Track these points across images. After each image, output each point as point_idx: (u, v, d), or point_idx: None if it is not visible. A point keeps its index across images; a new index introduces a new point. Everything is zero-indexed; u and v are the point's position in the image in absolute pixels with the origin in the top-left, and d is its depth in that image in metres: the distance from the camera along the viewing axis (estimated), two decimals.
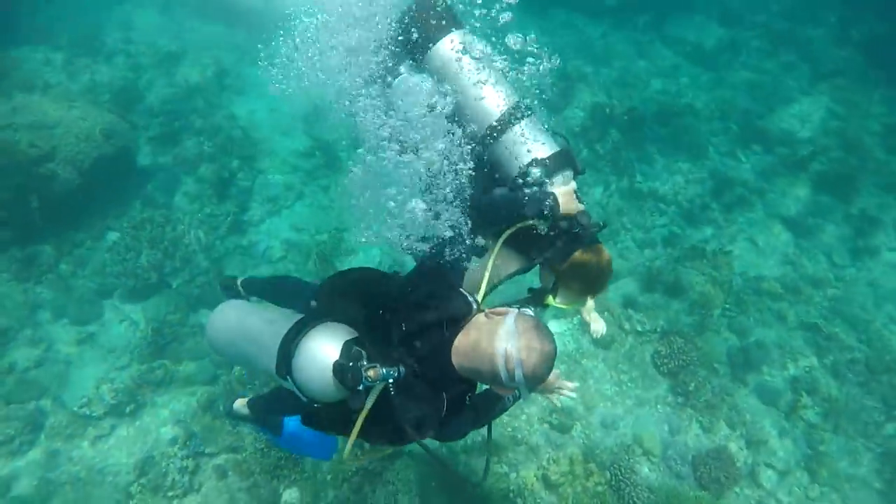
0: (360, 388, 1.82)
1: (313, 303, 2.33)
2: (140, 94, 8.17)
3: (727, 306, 6.60)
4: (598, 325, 2.83)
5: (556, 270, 2.51)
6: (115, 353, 6.19)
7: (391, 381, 1.84)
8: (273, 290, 2.98)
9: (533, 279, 2.78)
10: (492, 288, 2.37)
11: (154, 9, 9.96)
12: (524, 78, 2.53)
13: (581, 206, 2.49)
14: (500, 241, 2.41)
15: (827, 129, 8.45)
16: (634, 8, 10.61)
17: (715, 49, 10.13)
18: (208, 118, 8.26)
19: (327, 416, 2.02)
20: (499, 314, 1.91)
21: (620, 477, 4.53)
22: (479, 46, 2.47)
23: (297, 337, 1.98)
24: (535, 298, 2.60)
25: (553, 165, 2.43)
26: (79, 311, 6.38)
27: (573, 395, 2.52)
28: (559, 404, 2.58)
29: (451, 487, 4.52)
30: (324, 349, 1.93)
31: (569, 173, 2.51)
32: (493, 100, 2.43)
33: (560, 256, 2.47)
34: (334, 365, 1.87)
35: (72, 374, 5.88)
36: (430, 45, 2.46)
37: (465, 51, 2.44)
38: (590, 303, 2.82)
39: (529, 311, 1.93)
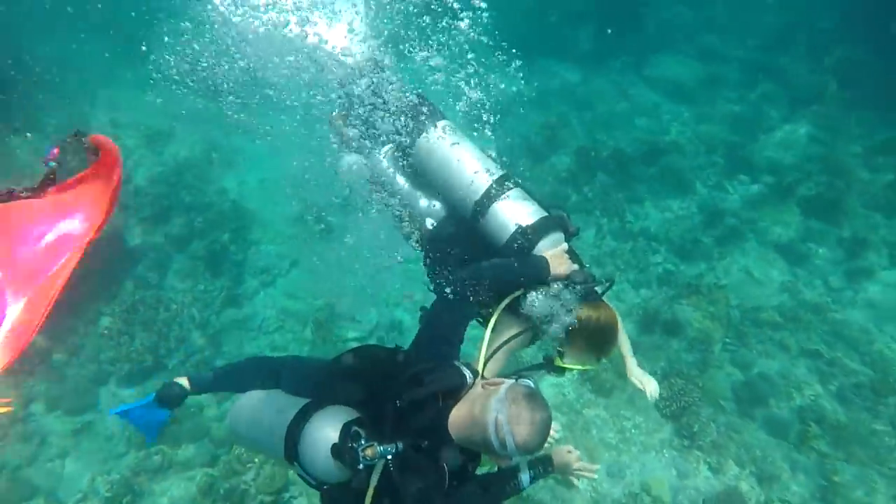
0: (361, 467, 1.93)
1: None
2: (128, 175, 8.66)
3: (728, 340, 6.87)
4: (651, 387, 2.93)
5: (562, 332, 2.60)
6: (112, 442, 6.38)
7: (389, 457, 1.95)
8: (231, 376, 3.10)
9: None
10: (492, 354, 2.52)
11: (139, 88, 10.61)
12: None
13: (574, 266, 2.61)
14: (500, 308, 2.54)
15: (810, 155, 8.93)
16: (612, 50, 11.33)
17: (695, 85, 10.76)
18: (198, 194, 8.72)
19: (338, 496, 2.12)
20: (494, 384, 2.03)
21: None
22: (461, 134, 2.79)
23: (300, 423, 2.13)
24: (547, 363, 2.69)
25: (540, 230, 2.59)
26: (74, 400, 6.59)
27: (595, 476, 2.66)
28: (580, 485, 2.78)
29: None
30: (325, 433, 2.06)
31: (559, 236, 2.66)
32: (477, 178, 2.67)
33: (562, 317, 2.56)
34: (332, 448, 1.99)
35: (67, 467, 6.04)
36: (420, 132, 2.79)
37: (446, 138, 2.75)
38: (629, 361, 3.02)
39: (528, 381, 2.05)
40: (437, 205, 2.91)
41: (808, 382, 6.39)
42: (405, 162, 2.94)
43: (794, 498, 5.51)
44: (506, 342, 2.59)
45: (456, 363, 2.22)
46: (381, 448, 1.93)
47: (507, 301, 2.56)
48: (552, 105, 10.50)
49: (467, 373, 2.15)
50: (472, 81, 2.93)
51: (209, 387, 3.12)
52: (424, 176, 2.86)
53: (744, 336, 6.87)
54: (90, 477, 6.00)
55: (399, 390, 2.06)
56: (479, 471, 2.29)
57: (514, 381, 2.05)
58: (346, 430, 2.03)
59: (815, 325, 6.94)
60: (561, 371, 2.65)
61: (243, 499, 5.81)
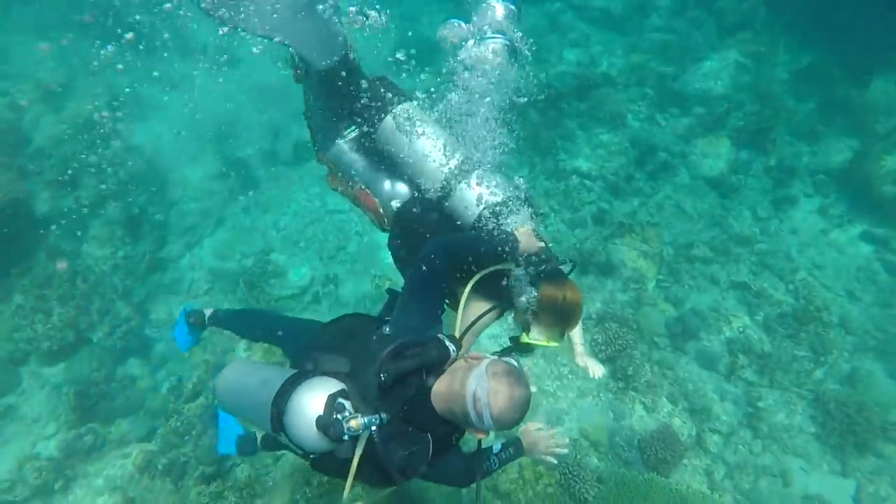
0: (346, 438, 1.93)
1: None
2: (25, 135, 7.60)
3: (661, 277, 6.77)
4: (596, 370, 3.01)
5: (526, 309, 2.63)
6: (40, 423, 5.90)
7: (373, 428, 1.97)
8: (238, 322, 3.24)
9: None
10: (465, 332, 2.53)
11: (29, 33, 9.21)
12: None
13: (541, 244, 2.61)
14: (469, 285, 2.51)
15: (739, 84, 8.65)
16: None
17: (624, 12, 10.16)
18: (107, 153, 7.78)
19: (325, 464, 2.14)
20: (476, 359, 2.08)
21: (569, 475, 4.61)
22: (424, 116, 2.73)
23: (285, 395, 2.08)
24: (514, 343, 2.69)
25: (507, 208, 2.60)
26: None
27: (565, 450, 2.68)
28: (555, 461, 2.72)
29: None
30: (310, 405, 2.01)
31: (525, 214, 2.66)
32: (441, 159, 2.65)
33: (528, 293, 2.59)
34: (317, 419, 1.97)
35: None
36: (382, 116, 2.73)
37: (411, 121, 2.69)
38: (578, 347, 3.06)
39: (510, 359, 2.08)
40: (402, 186, 2.87)
41: (736, 315, 6.40)
42: (369, 146, 2.89)
43: (722, 427, 5.57)
44: (477, 319, 2.61)
45: (439, 336, 2.25)
46: (366, 419, 1.95)
47: (477, 277, 2.54)
48: None
49: (451, 346, 2.19)
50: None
51: (221, 324, 3.27)
52: (389, 159, 2.81)
53: (676, 272, 6.77)
54: (16, 463, 5.51)
55: (383, 364, 2.08)
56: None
57: (496, 357, 2.10)
58: (330, 402, 2.01)
59: (744, 257, 6.90)
60: (529, 349, 2.65)
61: (184, 471, 5.49)
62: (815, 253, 7.05)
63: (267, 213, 7.91)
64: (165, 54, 9.38)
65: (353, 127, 2.94)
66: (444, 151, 2.67)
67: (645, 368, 5.74)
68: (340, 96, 2.74)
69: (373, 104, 2.73)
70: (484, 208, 2.61)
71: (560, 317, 2.54)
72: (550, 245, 2.67)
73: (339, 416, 1.96)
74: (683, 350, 6.14)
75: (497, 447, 2.57)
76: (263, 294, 6.94)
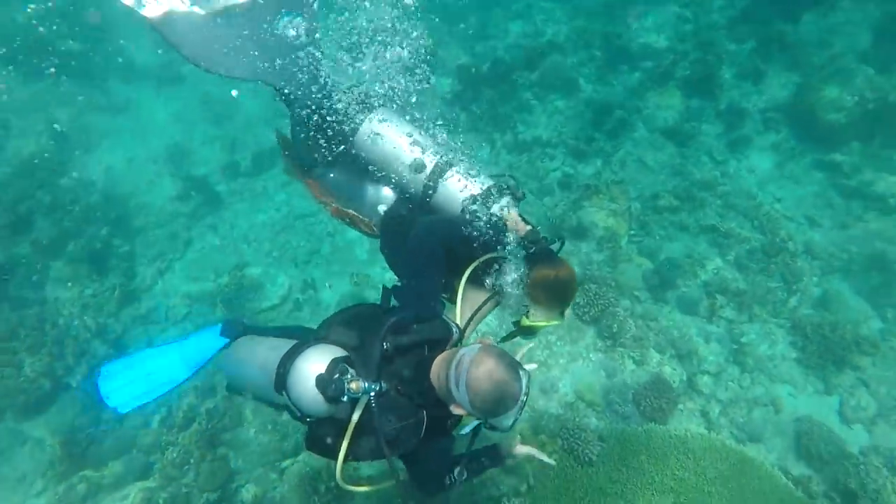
0: (345, 399, 1.96)
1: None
2: None
3: (632, 232, 6.82)
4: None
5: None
6: (26, 482, 5.65)
7: (372, 394, 1.99)
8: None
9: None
10: (468, 322, 2.55)
11: None
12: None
13: (528, 227, 2.62)
14: (465, 276, 2.52)
15: (681, 34, 8.72)
16: None
17: None
18: (59, 190, 7.49)
19: (321, 432, 2.14)
20: (482, 342, 2.07)
21: (571, 438, 4.63)
22: (395, 118, 2.74)
23: (292, 356, 2.13)
24: (517, 327, 2.70)
25: (491, 196, 2.62)
26: None
27: (553, 461, 2.74)
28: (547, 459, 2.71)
29: None
30: (314, 366, 2.06)
31: (508, 200, 2.66)
32: (422, 158, 2.66)
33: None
34: (317, 378, 2.00)
35: None
36: (356, 127, 2.73)
37: (384, 125, 2.70)
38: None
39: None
40: (387, 191, 2.87)
41: (709, 257, 6.49)
42: (350, 159, 2.86)
43: (711, 367, 5.66)
44: (477, 309, 2.62)
45: (444, 316, 2.30)
46: (366, 384, 1.99)
47: (472, 267, 2.54)
48: (425, 23, 9.61)
49: (454, 326, 2.24)
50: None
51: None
52: (369, 164, 2.79)
53: (647, 225, 6.83)
54: None
55: (387, 336, 2.10)
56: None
57: (489, 343, 2.09)
58: (333, 365, 2.06)
59: (709, 201, 6.99)
60: (531, 331, 2.68)
61: (188, 503, 5.31)
62: (775, 187, 7.18)
63: (235, 227, 7.71)
64: (107, 80, 9.01)
65: (333, 144, 2.93)
66: (424, 150, 2.68)
67: (629, 323, 5.78)
68: (314, 117, 2.78)
69: (346, 118, 2.75)
70: (468, 199, 2.62)
71: (557, 295, 2.57)
72: (538, 227, 2.67)
73: (340, 377, 1.99)
74: (664, 300, 6.20)
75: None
76: (244, 310, 6.78)
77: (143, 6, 2.44)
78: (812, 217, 6.74)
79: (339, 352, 2.15)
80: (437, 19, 9.63)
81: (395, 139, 2.70)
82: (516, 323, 2.69)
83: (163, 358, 3.01)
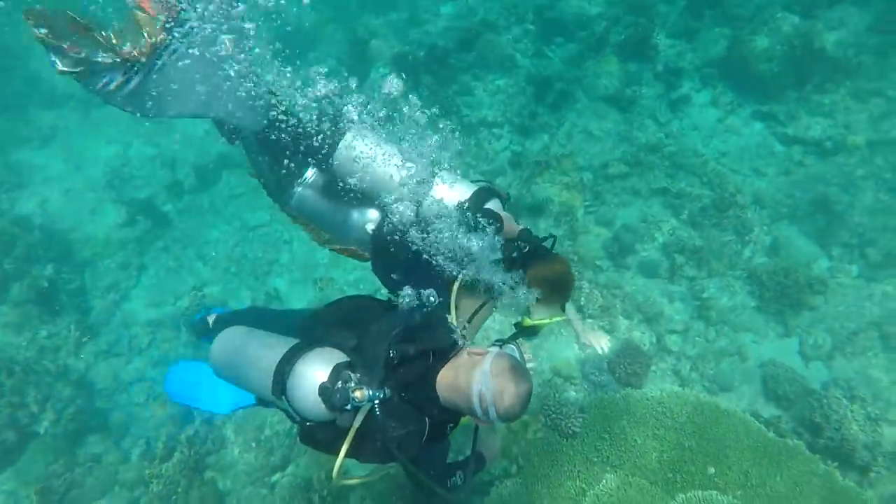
0: (348, 407, 1.95)
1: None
2: None
3: (587, 203, 6.87)
4: (602, 341, 3.19)
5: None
6: None
7: (377, 402, 1.98)
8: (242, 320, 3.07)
9: None
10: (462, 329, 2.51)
11: None
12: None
13: (520, 227, 2.65)
14: (457, 284, 2.47)
15: (611, 0, 8.71)
16: None
17: None
18: None
19: (320, 434, 2.14)
20: (479, 354, 2.06)
21: (553, 414, 4.69)
22: (371, 135, 2.63)
23: (291, 360, 2.08)
24: (519, 329, 2.68)
25: (480, 201, 2.59)
26: None
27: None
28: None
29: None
30: (316, 372, 2.03)
31: (497, 203, 2.67)
32: (404, 171, 2.56)
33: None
34: (320, 387, 1.98)
35: None
36: (332, 151, 2.62)
37: (362, 141, 2.59)
38: (577, 324, 3.15)
39: (512, 350, 2.14)
40: (373, 212, 2.79)
41: (663, 219, 6.59)
42: (328, 183, 2.77)
43: (677, 326, 5.81)
44: (475, 313, 2.57)
45: (448, 318, 2.30)
46: (370, 392, 1.97)
47: (461, 278, 2.48)
48: (354, 17, 9.35)
49: (459, 335, 2.20)
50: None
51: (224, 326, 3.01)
52: (352, 189, 2.68)
53: (600, 195, 6.89)
54: None
55: (391, 343, 2.07)
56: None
57: (498, 349, 2.11)
58: (336, 372, 2.03)
59: (657, 164, 7.08)
60: (534, 331, 2.67)
61: None
62: (719, 142, 7.34)
63: (188, 247, 7.43)
64: (27, 110, 8.47)
65: (306, 169, 2.83)
66: (405, 163, 2.59)
67: (595, 294, 5.86)
68: (283, 147, 2.68)
69: (318, 143, 2.64)
70: (457, 207, 2.57)
71: (556, 290, 2.58)
72: (528, 227, 2.68)
73: (344, 385, 1.97)
74: (625, 266, 6.30)
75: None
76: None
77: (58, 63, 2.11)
78: (757, 167, 6.93)
79: (340, 356, 2.12)
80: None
81: (376, 154, 2.60)
82: (517, 324, 2.66)
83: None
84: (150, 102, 2.26)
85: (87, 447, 5.92)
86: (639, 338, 5.65)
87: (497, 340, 2.39)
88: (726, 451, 4.51)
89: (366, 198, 2.74)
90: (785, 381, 5.21)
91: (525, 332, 2.66)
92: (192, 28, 2.29)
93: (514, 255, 2.61)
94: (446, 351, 2.17)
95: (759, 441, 4.62)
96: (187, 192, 7.92)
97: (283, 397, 2.10)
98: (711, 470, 4.49)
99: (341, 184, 2.69)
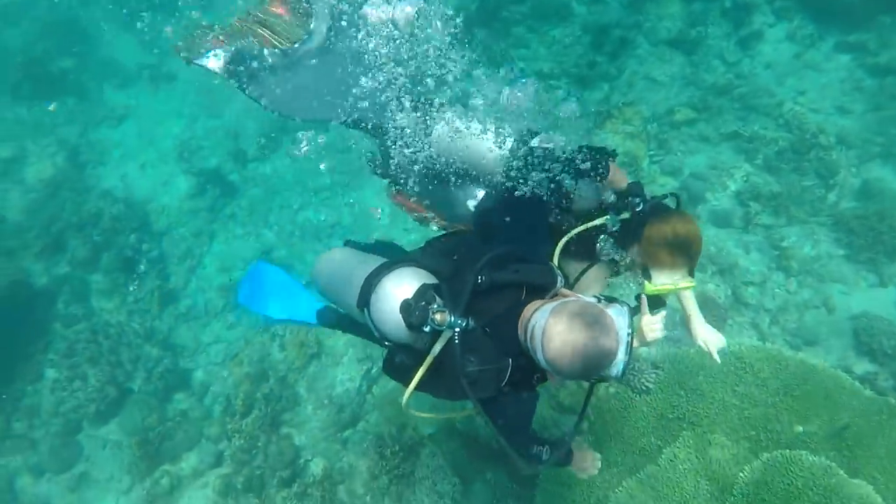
0: (427, 329, 1.75)
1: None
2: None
3: (652, 153, 6.28)
4: (718, 342, 2.68)
5: (639, 255, 2.31)
6: (115, 480, 5.67)
7: (457, 329, 1.75)
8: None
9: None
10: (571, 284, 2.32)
11: None
12: None
13: (629, 180, 2.42)
14: (560, 246, 2.24)
15: None
16: None
17: None
18: (83, 207, 7.23)
19: (398, 358, 1.99)
20: (566, 296, 1.85)
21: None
22: (464, 113, 2.45)
23: (380, 274, 1.94)
24: (642, 301, 2.29)
25: (583, 156, 2.31)
26: (56, 459, 5.77)
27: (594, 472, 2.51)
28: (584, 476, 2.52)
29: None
30: (401, 288, 1.87)
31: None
32: (501, 142, 2.35)
33: (633, 238, 2.29)
34: (402, 302, 1.81)
35: None
36: (429, 131, 2.44)
37: (457, 119, 2.40)
38: (696, 325, 2.73)
39: (606, 304, 1.74)
40: (472, 188, 2.53)
41: (736, 165, 5.93)
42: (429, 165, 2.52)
43: (755, 278, 5.24)
44: (578, 277, 2.36)
45: (551, 262, 2.08)
46: (452, 318, 1.74)
47: (566, 239, 2.25)
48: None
49: (559, 275, 1.95)
50: None
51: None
52: (451, 164, 2.45)
53: (665, 143, 6.28)
54: None
55: (484, 269, 1.83)
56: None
57: (592, 299, 1.76)
58: (422, 291, 1.84)
59: (727, 107, 6.37)
60: (659, 300, 2.37)
61: (263, 483, 5.29)
62: (795, 80, 6.48)
63: (254, 213, 7.39)
64: (103, 91, 8.61)
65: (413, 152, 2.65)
66: (500, 135, 2.36)
67: None
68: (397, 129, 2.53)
69: (418, 126, 2.48)
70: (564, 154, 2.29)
71: (677, 252, 2.19)
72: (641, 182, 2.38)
73: (426, 305, 1.76)
74: (696, 216, 5.70)
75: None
76: None
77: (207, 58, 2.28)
78: (841, 105, 6.07)
79: (430, 278, 1.94)
80: None
81: (471, 130, 2.38)
82: (638, 296, 2.31)
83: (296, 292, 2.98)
84: (289, 98, 2.37)
85: (174, 404, 6.08)
86: (713, 290, 5.13)
87: (605, 296, 2.01)
88: (817, 410, 4.02)
89: (465, 173, 2.49)
90: (881, 334, 4.58)
91: (650, 301, 2.28)
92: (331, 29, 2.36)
93: (627, 212, 2.29)
94: (541, 288, 1.89)
95: (853, 399, 4.09)
96: (251, 161, 7.85)
97: (366, 310, 1.94)
98: (799, 429, 4.02)
99: (442, 162, 2.48)
